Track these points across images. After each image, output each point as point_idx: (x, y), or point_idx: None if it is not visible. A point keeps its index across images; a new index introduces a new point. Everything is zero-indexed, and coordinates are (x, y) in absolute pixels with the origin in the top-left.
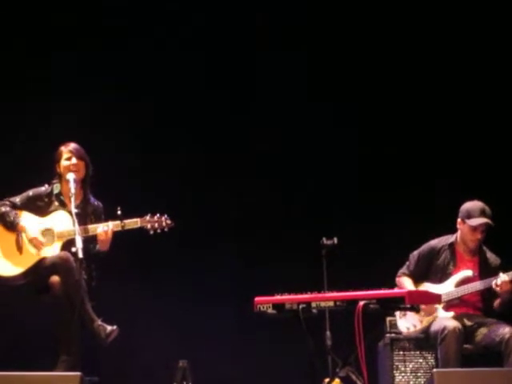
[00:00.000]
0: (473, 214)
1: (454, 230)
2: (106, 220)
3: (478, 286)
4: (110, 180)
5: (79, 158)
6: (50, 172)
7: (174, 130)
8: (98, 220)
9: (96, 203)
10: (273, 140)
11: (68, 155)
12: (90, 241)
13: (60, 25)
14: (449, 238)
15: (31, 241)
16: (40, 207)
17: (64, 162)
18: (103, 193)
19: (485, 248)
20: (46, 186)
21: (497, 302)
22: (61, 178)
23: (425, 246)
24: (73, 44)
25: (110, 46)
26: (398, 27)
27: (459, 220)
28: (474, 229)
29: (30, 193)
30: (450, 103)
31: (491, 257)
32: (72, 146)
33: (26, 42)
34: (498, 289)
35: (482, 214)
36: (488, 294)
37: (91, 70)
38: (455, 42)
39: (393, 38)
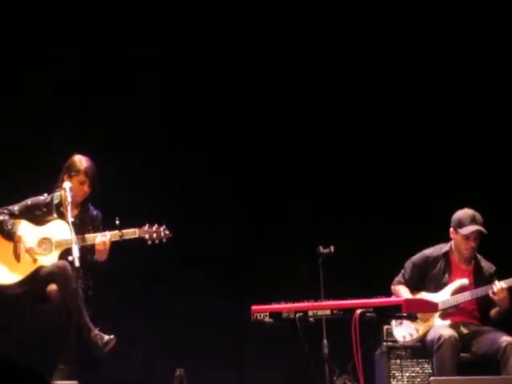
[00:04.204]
0: (464, 223)
1: (448, 239)
2: (104, 230)
3: (474, 294)
4: (108, 190)
5: (92, 185)
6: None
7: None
8: (96, 230)
9: (95, 213)
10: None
11: (83, 179)
12: (87, 251)
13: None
14: (443, 247)
15: (27, 251)
16: (38, 216)
17: (75, 183)
18: (101, 203)
19: (479, 256)
20: (45, 195)
21: (494, 311)
22: None
23: (419, 256)
24: None
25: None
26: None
27: (451, 230)
28: (467, 237)
29: (29, 202)
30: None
31: (486, 265)
32: (89, 168)
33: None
34: (495, 297)
35: (473, 221)
36: (484, 302)
37: (90, 74)
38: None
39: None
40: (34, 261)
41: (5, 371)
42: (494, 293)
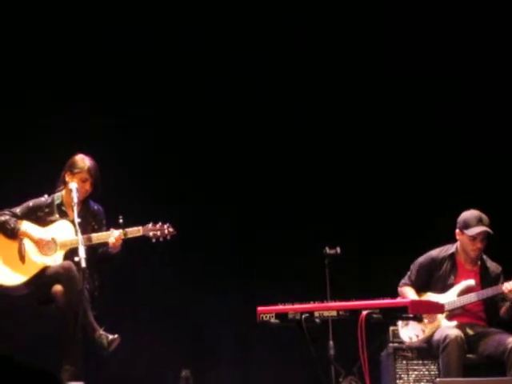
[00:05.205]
0: (470, 224)
1: (454, 240)
2: (108, 227)
3: (480, 295)
4: (111, 189)
5: (94, 183)
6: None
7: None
8: (100, 225)
9: (96, 207)
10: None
11: (85, 177)
12: (99, 245)
13: None
14: (449, 248)
15: (37, 242)
16: (40, 218)
17: (77, 180)
18: (103, 203)
19: (485, 257)
20: (46, 196)
21: (504, 309)
22: (66, 184)
23: (425, 257)
24: None
25: None
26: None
27: (457, 231)
28: (474, 238)
29: (30, 203)
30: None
31: (492, 265)
32: (92, 167)
33: None
34: (510, 294)
35: (480, 222)
36: (491, 303)
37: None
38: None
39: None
40: (46, 250)
41: (20, 373)
42: (508, 289)
